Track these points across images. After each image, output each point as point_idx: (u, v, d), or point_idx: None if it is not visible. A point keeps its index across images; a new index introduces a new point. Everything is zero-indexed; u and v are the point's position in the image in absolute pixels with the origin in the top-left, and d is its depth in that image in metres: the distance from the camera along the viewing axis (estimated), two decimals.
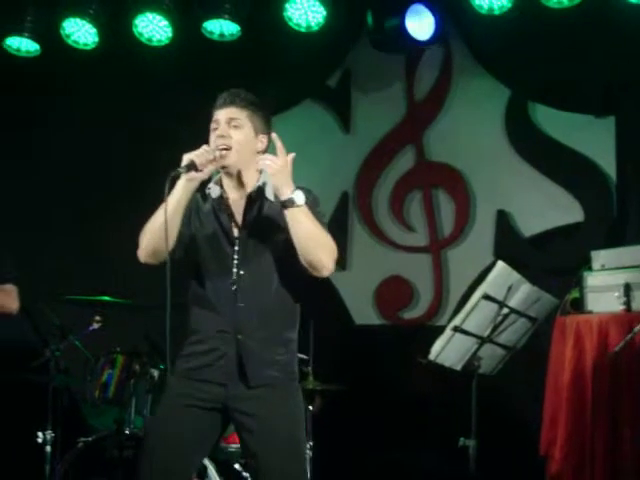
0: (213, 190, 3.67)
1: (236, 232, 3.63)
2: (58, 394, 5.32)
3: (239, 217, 3.64)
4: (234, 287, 3.58)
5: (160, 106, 6.55)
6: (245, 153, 3.63)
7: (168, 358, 3.53)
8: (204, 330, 3.62)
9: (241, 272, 3.58)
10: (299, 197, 3.46)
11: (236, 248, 3.61)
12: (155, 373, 5.12)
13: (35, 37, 6.22)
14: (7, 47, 6.28)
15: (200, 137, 3.76)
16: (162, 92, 6.55)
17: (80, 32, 6.22)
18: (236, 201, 3.67)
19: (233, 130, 3.61)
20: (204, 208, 3.68)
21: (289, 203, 3.45)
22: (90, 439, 5.06)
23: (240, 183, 3.67)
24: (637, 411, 4.69)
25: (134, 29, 6.14)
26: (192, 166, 3.47)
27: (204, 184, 3.65)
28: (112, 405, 5.14)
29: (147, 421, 3.79)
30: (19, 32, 6.18)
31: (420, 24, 5.99)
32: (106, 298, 5.24)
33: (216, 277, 3.62)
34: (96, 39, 6.24)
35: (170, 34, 6.15)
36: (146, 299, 5.53)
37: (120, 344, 5.28)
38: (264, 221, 3.63)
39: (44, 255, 6.48)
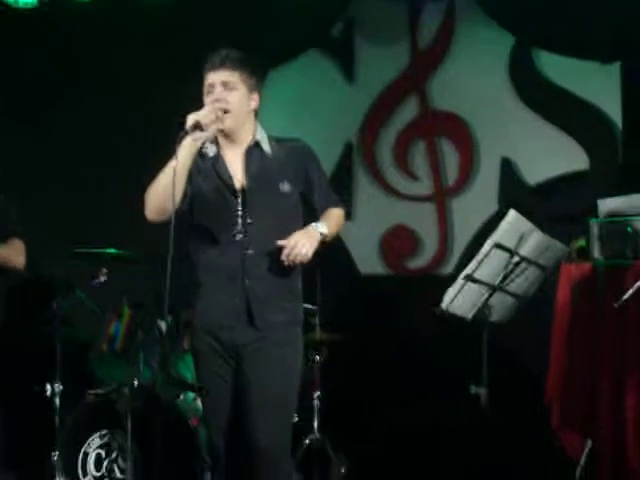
0: (210, 149, 3.83)
1: (238, 185, 3.80)
2: (65, 347, 5.35)
3: (239, 171, 3.82)
4: (241, 236, 3.73)
5: (159, 59, 6.45)
6: (241, 114, 3.80)
7: (165, 309, 3.86)
8: (211, 279, 3.79)
9: (248, 221, 3.75)
10: (323, 229, 3.77)
11: (239, 200, 3.77)
12: (162, 325, 5.14)
13: None
14: None
15: (199, 90, 3.81)
16: (161, 44, 6.45)
17: None
18: (233, 157, 3.84)
19: (228, 93, 3.75)
20: (203, 165, 3.82)
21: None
22: (99, 391, 5.10)
23: (235, 140, 3.83)
24: None
25: None
26: (197, 126, 3.62)
27: None
28: (120, 357, 5.17)
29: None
30: None
31: None
32: (112, 251, 5.24)
33: (222, 228, 3.77)
34: None
35: None
36: (152, 251, 5.54)
37: (127, 296, 5.30)
38: (264, 173, 3.82)
39: (50, 209, 6.45)
